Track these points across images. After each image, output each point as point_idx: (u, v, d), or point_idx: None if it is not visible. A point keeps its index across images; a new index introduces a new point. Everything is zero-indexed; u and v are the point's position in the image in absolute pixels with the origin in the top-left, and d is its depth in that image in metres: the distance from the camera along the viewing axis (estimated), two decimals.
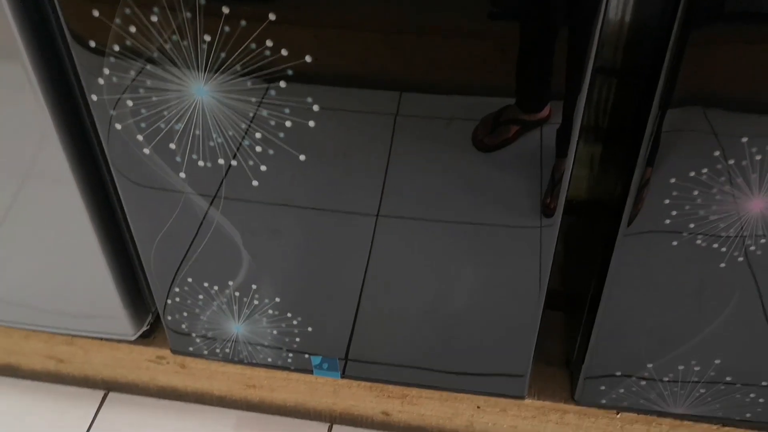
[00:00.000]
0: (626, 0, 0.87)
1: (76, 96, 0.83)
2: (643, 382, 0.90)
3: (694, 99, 0.64)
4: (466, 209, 0.78)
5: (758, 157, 0.66)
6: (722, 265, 0.75)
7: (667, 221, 0.72)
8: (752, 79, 0.62)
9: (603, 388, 0.93)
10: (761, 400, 0.89)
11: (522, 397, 0.99)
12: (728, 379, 0.87)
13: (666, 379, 0.89)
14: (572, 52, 0.64)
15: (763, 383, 0.87)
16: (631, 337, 0.87)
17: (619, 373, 0.91)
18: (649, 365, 0.88)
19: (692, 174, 0.68)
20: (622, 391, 0.92)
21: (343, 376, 1.02)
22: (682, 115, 0.65)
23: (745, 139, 0.65)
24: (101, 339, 1.10)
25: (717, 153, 0.66)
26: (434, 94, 0.69)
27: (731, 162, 0.66)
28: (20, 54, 0.76)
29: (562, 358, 1.04)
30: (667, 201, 0.71)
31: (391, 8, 0.64)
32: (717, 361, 0.86)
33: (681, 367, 0.87)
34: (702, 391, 0.89)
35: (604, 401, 0.95)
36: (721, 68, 0.62)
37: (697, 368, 0.87)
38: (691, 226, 0.72)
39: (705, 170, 0.68)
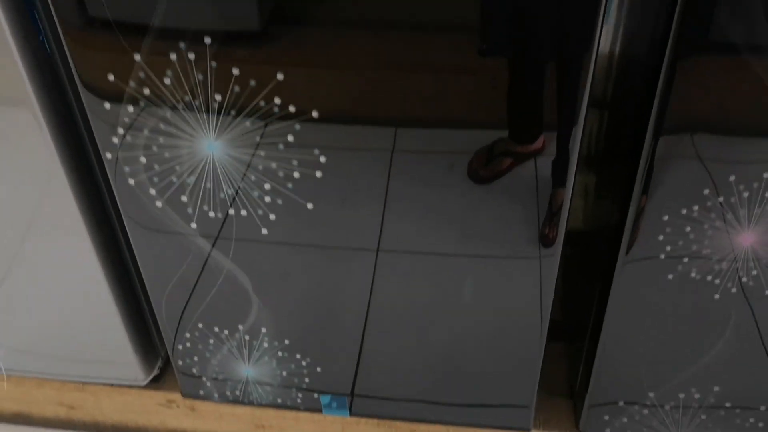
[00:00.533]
0: (615, 32, 0.91)
1: (87, 147, 0.86)
2: (646, 411, 0.93)
3: (686, 126, 0.67)
4: (464, 242, 0.80)
5: (746, 194, 0.69)
6: (716, 296, 0.78)
7: (662, 256, 0.75)
8: (740, 107, 0.65)
9: (607, 417, 0.95)
10: (761, 425, 0.92)
11: (528, 429, 1.01)
12: (728, 404, 0.90)
13: (667, 406, 0.92)
14: (566, 85, 0.66)
15: (762, 408, 0.90)
16: (632, 366, 0.90)
17: (621, 403, 0.93)
18: (651, 394, 0.91)
19: (684, 211, 0.72)
20: (625, 420, 0.95)
21: (351, 413, 1.04)
22: (674, 143, 0.68)
23: (732, 178, 0.68)
24: (112, 385, 1.11)
25: (707, 191, 0.70)
26: (429, 129, 0.71)
27: (720, 199, 0.70)
28: (34, 109, 0.79)
29: (565, 388, 1.06)
30: (660, 237, 0.74)
31: (385, 48, 0.67)
32: (716, 388, 0.88)
33: (681, 395, 0.90)
34: (703, 417, 0.92)
35: (608, 430, 0.97)
36: (710, 97, 0.65)
37: (697, 395, 0.89)
38: (685, 260, 0.75)
39: (696, 207, 0.71)
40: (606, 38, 0.90)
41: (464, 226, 0.78)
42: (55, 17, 0.70)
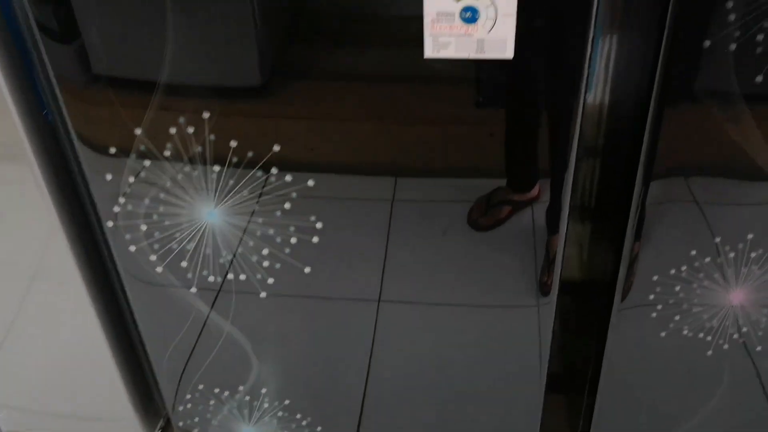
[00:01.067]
0: (604, 84, 0.93)
1: (90, 215, 0.88)
2: None
3: (674, 171, 0.68)
4: (464, 291, 0.81)
5: (731, 255, 0.71)
6: (709, 352, 0.79)
7: (654, 314, 0.77)
8: (725, 151, 0.67)
9: None
10: None
11: None
12: None
13: None
14: (557, 133, 0.68)
15: None
16: (631, 420, 0.90)
17: None
18: None
19: (673, 271, 0.73)
20: None
21: None
22: (663, 187, 0.69)
23: (718, 239, 0.70)
24: None
25: (694, 252, 0.71)
26: (428, 178, 0.73)
27: (707, 260, 0.71)
28: (37, 178, 0.81)
29: None
30: (651, 296, 0.75)
31: (386, 101, 0.69)
32: None
33: None
34: None
35: None
36: (697, 142, 0.67)
37: None
38: (677, 318, 0.77)
39: (684, 267, 0.73)
40: (594, 89, 0.93)
41: (464, 275, 0.80)
42: (58, 93, 0.73)
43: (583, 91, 0.66)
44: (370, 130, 0.71)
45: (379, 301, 0.83)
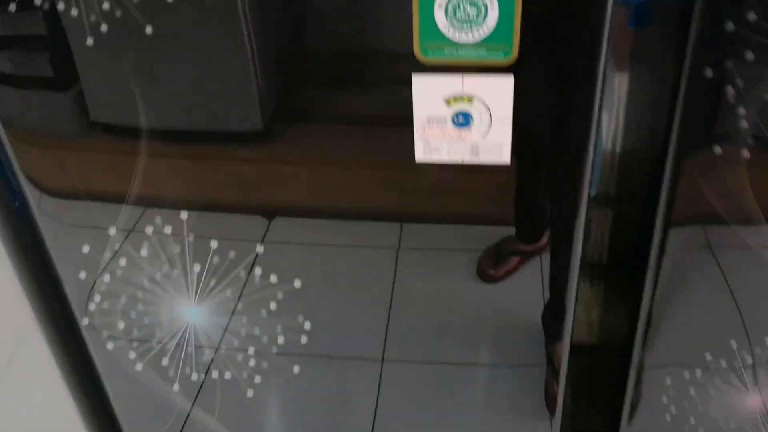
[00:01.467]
0: (615, 131, 0.89)
1: (68, 312, 0.84)
2: None
3: (694, 221, 0.63)
4: (473, 349, 0.76)
5: (749, 359, 0.66)
6: None
7: (668, 417, 0.72)
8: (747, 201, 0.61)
9: None
10: None
11: None
12: None
13: None
14: (566, 182, 0.64)
15: None
16: None
17: None
18: None
19: (687, 374, 0.69)
20: None
21: None
22: (683, 238, 0.64)
23: (735, 345, 0.65)
24: None
25: (708, 356, 0.67)
26: (435, 224, 0.68)
27: (723, 363, 0.67)
28: (10, 273, 0.77)
29: None
30: (665, 399, 0.71)
31: (392, 149, 0.64)
32: None
33: None
34: None
35: None
36: (717, 193, 0.61)
37: None
38: (692, 421, 0.72)
39: (699, 371, 0.68)
40: (606, 136, 0.89)
41: (472, 331, 0.75)
42: (25, 188, 0.68)
43: (593, 135, 0.61)
44: (375, 176, 0.66)
45: (378, 394, 0.79)
